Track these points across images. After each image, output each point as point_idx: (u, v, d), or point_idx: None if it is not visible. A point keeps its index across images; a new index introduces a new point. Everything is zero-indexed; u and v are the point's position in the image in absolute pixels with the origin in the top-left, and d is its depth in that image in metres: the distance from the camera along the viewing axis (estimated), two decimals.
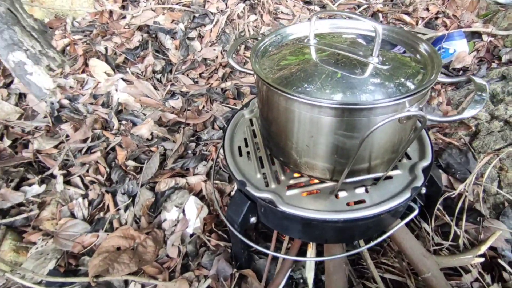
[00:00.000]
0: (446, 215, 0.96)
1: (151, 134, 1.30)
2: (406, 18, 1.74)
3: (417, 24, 1.72)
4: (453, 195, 0.98)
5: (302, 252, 0.90)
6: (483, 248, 0.86)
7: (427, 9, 1.76)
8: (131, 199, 1.07)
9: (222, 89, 1.45)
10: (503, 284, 0.85)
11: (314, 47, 0.74)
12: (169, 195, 1.11)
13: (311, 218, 0.69)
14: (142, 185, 1.11)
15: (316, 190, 0.75)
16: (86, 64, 1.47)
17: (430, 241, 0.91)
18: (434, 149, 1.14)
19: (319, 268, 0.93)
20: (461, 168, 1.05)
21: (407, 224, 0.95)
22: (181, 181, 1.14)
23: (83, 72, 1.46)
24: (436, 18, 1.71)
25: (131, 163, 1.17)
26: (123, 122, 1.33)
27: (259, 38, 0.82)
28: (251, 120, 0.97)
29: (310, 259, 0.87)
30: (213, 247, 0.97)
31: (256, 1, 1.83)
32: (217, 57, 1.57)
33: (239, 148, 0.88)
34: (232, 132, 0.94)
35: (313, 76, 0.66)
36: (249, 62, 0.71)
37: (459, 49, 1.44)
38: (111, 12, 1.64)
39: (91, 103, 1.37)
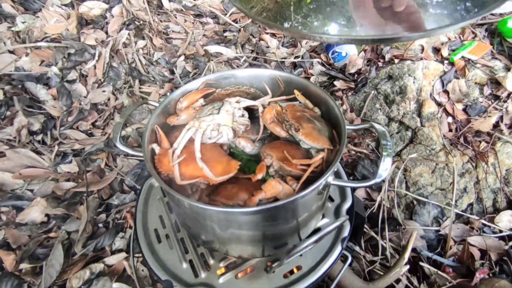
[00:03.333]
0: (371, 230, 1.02)
1: (46, 215, 1.07)
2: None
3: None
4: (374, 209, 1.05)
5: None
6: (407, 255, 0.93)
7: None
8: None
9: (123, 137, 1.27)
10: (427, 281, 0.95)
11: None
12: None
13: None
14: None
15: (249, 268, 0.70)
16: None
17: (363, 261, 0.95)
18: (348, 161, 1.20)
19: None
20: None
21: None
22: (98, 266, 0.97)
23: None
24: None
25: (25, 265, 0.94)
26: (3, 209, 1.06)
27: (153, 103, 0.71)
28: (162, 188, 0.86)
29: None
30: None
31: (142, 23, 1.63)
32: (109, 99, 1.36)
33: (156, 231, 0.77)
34: (144, 210, 0.82)
35: None
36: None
37: (350, 52, 1.52)
38: None
39: None
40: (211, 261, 0.71)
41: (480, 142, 1.18)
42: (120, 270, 0.98)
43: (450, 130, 1.22)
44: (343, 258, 0.75)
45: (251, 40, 1.71)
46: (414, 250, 1.00)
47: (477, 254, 0.99)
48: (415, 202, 1.09)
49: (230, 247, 0.64)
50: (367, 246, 1.01)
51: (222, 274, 0.68)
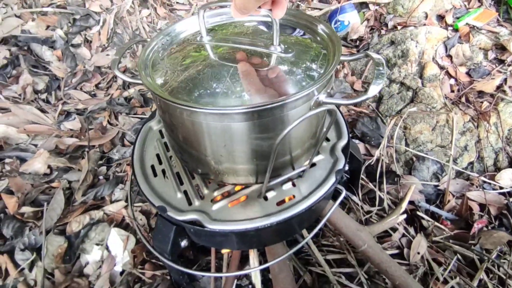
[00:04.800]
0: (370, 183, 1.01)
1: (49, 167, 1.09)
2: None
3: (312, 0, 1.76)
4: (372, 162, 1.04)
5: (245, 258, 0.86)
6: (404, 205, 0.93)
7: None
8: (35, 253, 0.89)
9: (125, 98, 1.29)
10: (424, 232, 0.94)
11: (209, 44, 0.67)
12: (86, 234, 0.95)
13: (243, 230, 0.64)
14: (47, 232, 0.93)
15: (243, 196, 0.70)
16: None
17: (360, 211, 0.95)
18: (348, 120, 1.20)
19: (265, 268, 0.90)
20: (374, 135, 1.12)
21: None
22: (97, 214, 0.99)
23: None
24: None
25: (27, 209, 0.96)
26: (7, 160, 1.09)
27: (148, 40, 0.72)
28: (161, 131, 0.87)
29: (253, 269, 0.83)
30: (149, 279, 0.87)
31: None
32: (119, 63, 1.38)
33: (152, 167, 0.78)
34: (141, 150, 0.83)
35: (215, 79, 0.59)
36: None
37: (352, 21, 1.52)
38: None
39: None
40: (205, 191, 0.71)
41: (482, 102, 1.16)
42: (119, 218, 1.00)
43: (452, 91, 1.21)
44: (336, 194, 0.75)
45: None
46: (412, 203, 0.99)
47: (476, 208, 0.98)
48: (414, 159, 1.08)
49: (224, 169, 0.64)
50: (364, 198, 1.01)
51: (216, 202, 0.69)
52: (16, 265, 0.87)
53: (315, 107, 0.58)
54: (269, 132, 0.56)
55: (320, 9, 1.65)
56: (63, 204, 0.97)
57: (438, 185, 1.04)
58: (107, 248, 0.94)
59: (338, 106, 0.91)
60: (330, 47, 0.65)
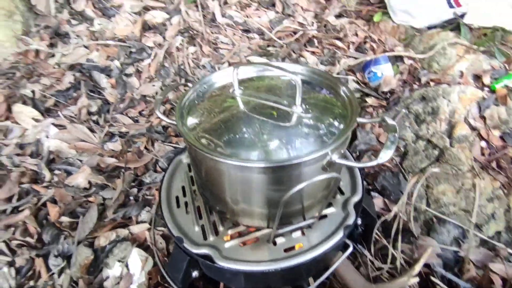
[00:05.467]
0: (384, 238, 1.01)
1: (89, 182, 1.22)
2: (338, 43, 1.85)
3: (348, 48, 1.84)
4: (389, 218, 1.04)
5: None
6: (418, 267, 0.91)
7: (356, 34, 1.89)
8: (65, 261, 0.98)
9: (163, 127, 1.42)
10: None
11: (240, 97, 0.75)
12: (111, 250, 1.04)
13: (249, 271, 0.68)
14: (79, 243, 1.03)
15: (254, 238, 0.75)
16: (9, 110, 1.35)
17: (370, 267, 0.95)
18: (370, 172, 1.21)
19: None
20: (394, 190, 1.12)
21: (350, 254, 0.98)
22: (123, 232, 1.08)
23: (6, 119, 1.34)
24: (365, 42, 1.85)
25: (65, 219, 1.08)
26: (56, 172, 1.23)
27: (189, 85, 0.82)
28: (189, 165, 0.95)
29: None
30: None
31: (195, 32, 1.84)
32: (156, 93, 1.53)
33: (177, 198, 0.86)
34: (170, 179, 0.91)
35: (238, 127, 0.67)
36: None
37: (386, 73, 1.56)
38: (37, 52, 1.54)
39: (17, 154, 1.26)
40: (221, 228, 0.77)
41: None
42: (142, 239, 1.08)
43: (483, 154, 1.18)
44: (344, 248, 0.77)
45: (291, 55, 1.82)
46: (428, 266, 0.97)
47: (498, 282, 0.93)
48: (434, 220, 1.06)
49: (240, 211, 0.70)
50: (377, 254, 1.00)
51: (229, 240, 0.74)
52: (48, 269, 0.97)
53: (328, 166, 0.63)
54: (282, 185, 0.62)
55: (356, 58, 1.71)
56: (95, 219, 1.07)
57: (458, 251, 1.00)
58: (127, 266, 1.01)
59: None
60: (349, 110, 0.70)
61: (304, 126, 0.67)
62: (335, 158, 0.62)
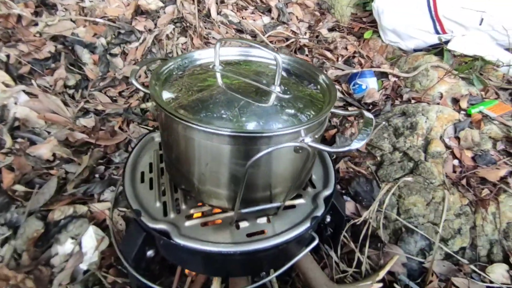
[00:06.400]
0: (352, 242, 0.99)
1: (53, 155, 1.15)
2: (328, 54, 1.88)
3: (337, 60, 1.87)
4: (359, 222, 1.03)
5: (207, 286, 0.84)
6: (382, 274, 0.90)
7: (346, 48, 1.93)
8: (12, 231, 0.91)
9: (142, 109, 1.37)
10: None
11: (219, 73, 0.73)
12: (65, 225, 0.97)
13: (207, 251, 0.64)
14: (30, 214, 0.95)
15: (217, 219, 0.71)
16: None
17: (335, 269, 0.92)
18: (345, 177, 1.21)
19: None
20: (367, 196, 1.12)
21: (316, 253, 0.96)
22: (82, 208, 1.01)
23: None
24: (353, 57, 1.89)
25: (20, 187, 1.00)
26: (19, 140, 1.16)
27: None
28: (160, 144, 0.92)
29: None
30: (109, 284, 0.86)
31: (188, 25, 1.82)
32: (140, 76, 1.49)
33: (142, 173, 0.82)
34: (137, 156, 0.87)
35: (215, 103, 0.64)
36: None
37: (370, 86, 1.59)
38: (20, 17, 1.48)
39: None
40: (183, 207, 0.73)
41: (483, 189, 1.15)
42: (101, 218, 1.01)
43: (454, 172, 1.20)
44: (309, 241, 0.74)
45: None
46: (392, 274, 0.95)
47: None
48: (403, 229, 1.06)
49: (205, 189, 0.67)
50: (343, 257, 0.98)
51: (189, 219, 0.70)
52: None
53: (300, 149, 0.61)
54: (248, 160, 0.59)
55: (343, 70, 1.74)
56: (53, 192, 1.01)
57: (423, 262, 1.00)
58: (80, 243, 0.94)
59: (332, 156, 0.93)
60: (327, 96, 0.70)
61: (282, 107, 0.65)
62: (308, 140, 0.60)
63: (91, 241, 0.94)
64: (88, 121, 1.29)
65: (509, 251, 1.06)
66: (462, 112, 1.44)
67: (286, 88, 0.68)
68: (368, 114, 0.69)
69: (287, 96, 0.66)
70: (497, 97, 1.55)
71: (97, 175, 1.13)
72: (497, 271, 1.01)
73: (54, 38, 1.50)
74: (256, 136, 0.55)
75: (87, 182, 1.09)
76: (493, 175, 1.18)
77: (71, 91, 1.38)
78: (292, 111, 0.65)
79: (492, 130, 1.33)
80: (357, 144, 0.59)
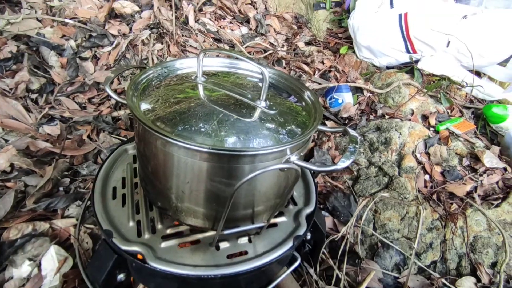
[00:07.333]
0: (330, 259, 0.99)
1: (11, 165, 1.04)
2: (305, 67, 1.91)
3: (314, 74, 1.90)
4: (337, 238, 1.03)
5: None
6: None
7: (322, 62, 1.97)
8: None
9: (113, 117, 1.30)
10: None
11: (202, 85, 0.70)
12: (22, 245, 0.88)
13: (185, 275, 0.60)
14: None
15: (195, 239, 0.67)
16: None
17: (315, 287, 0.91)
18: (323, 192, 1.21)
19: None
20: (345, 211, 1.12)
21: (295, 270, 0.94)
22: (43, 226, 0.92)
23: None
24: (330, 71, 1.93)
25: None
26: None
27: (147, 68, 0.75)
28: (134, 156, 0.86)
29: None
30: None
31: (164, 31, 1.77)
32: (112, 82, 1.42)
33: (114, 189, 0.76)
34: (109, 169, 0.81)
35: (196, 117, 0.61)
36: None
37: (346, 101, 1.62)
38: None
39: None
40: (159, 226, 0.68)
41: (452, 204, 1.20)
42: (64, 237, 0.93)
43: (426, 187, 1.25)
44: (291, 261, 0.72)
45: None
46: None
47: None
48: (379, 244, 1.07)
49: (182, 208, 0.63)
50: (322, 274, 0.97)
51: (166, 240, 0.66)
52: None
53: (285, 168, 0.59)
54: (232, 178, 0.56)
55: (319, 84, 1.77)
56: (9, 207, 0.91)
57: (398, 277, 1.01)
58: (39, 265, 0.85)
59: (312, 172, 0.93)
60: (312, 114, 0.69)
61: (266, 123, 0.63)
62: (294, 159, 0.58)
63: (52, 262, 0.85)
64: (53, 129, 1.19)
65: (476, 264, 1.10)
66: (431, 128, 1.51)
67: (271, 103, 0.66)
68: (353, 132, 0.68)
69: (272, 112, 0.65)
70: (461, 115, 1.65)
71: (61, 188, 1.04)
72: (466, 284, 1.05)
73: (17, 38, 1.39)
74: (241, 155, 0.53)
75: (49, 196, 1.00)
76: (460, 190, 1.23)
77: (34, 96, 1.28)
78: (276, 127, 0.63)
79: (458, 147, 1.40)
80: (344, 163, 0.58)
